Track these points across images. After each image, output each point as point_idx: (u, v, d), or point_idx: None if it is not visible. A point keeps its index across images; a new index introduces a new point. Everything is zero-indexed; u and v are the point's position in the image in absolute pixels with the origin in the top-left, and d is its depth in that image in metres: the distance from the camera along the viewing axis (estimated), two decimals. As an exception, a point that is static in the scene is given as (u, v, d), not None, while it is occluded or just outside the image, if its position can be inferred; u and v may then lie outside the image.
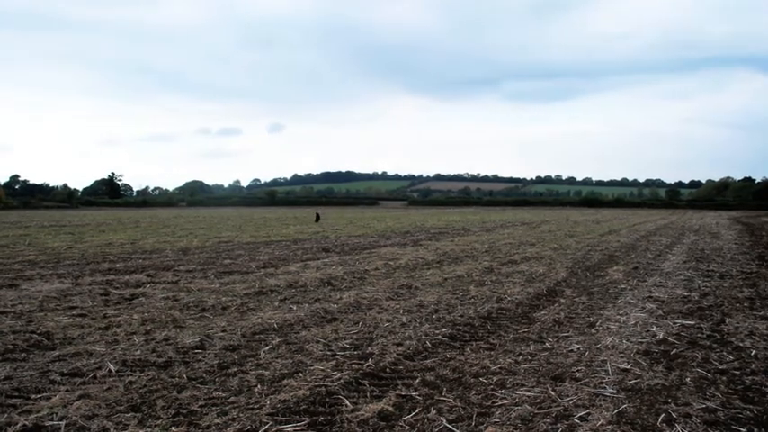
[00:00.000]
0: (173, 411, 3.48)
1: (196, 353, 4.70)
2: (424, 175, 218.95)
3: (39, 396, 3.72)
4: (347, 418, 3.43)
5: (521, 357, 4.69)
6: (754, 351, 4.91)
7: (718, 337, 5.43)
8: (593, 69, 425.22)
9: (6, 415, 3.39)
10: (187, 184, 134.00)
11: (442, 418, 3.44)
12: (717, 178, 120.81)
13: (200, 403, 3.62)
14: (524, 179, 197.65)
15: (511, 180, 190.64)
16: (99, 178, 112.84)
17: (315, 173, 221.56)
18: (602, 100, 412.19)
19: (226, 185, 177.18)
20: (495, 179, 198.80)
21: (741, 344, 5.15)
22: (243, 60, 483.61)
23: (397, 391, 3.88)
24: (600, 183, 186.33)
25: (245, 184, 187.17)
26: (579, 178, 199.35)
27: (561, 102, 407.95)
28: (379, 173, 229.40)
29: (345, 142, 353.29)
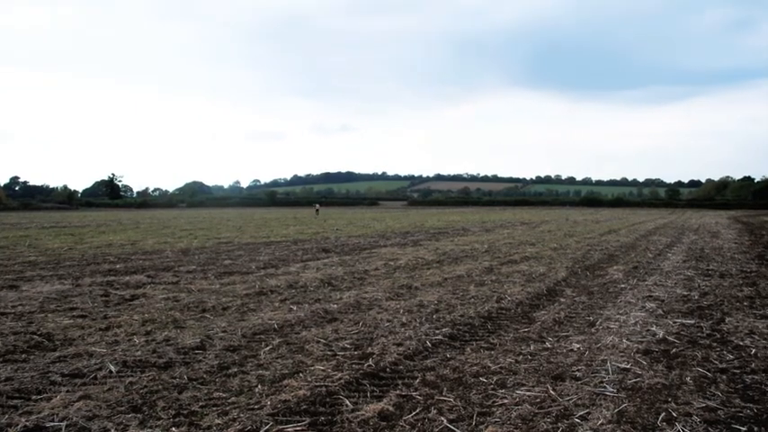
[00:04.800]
0: (173, 412, 3.49)
1: (196, 353, 4.70)
2: (424, 176, 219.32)
3: (39, 397, 3.72)
4: (348, 419, 3.43)
5: (521, 357, 4.69)
6: (754, 350, 4.91)
7: (719, 336, 5.43)
8: (728, 74, 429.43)
9: (7, 416, 3.39)
10: (187, 184, 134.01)
11: (442, 418, 3.45)
12: (716, 177, 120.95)
13: (200, 404, 3.62)
14: (524, 179, 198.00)
15: (510, 180, 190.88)
16: (99, 179, 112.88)
17: (315, 173, 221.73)
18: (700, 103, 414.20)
19: (226, 186, 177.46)
20: (495, 179, 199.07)
21: (741, 343, 5.15)
22: (412, 65, 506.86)
23: (398, 391, 3.88)
24: (599, 182, 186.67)
25: (245, 184, 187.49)
26: (579, 178, 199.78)
27: (657, 106, 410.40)
28: (379, 173, 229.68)
29: (458, 141, 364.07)
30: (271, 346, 4.92)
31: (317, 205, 46.78)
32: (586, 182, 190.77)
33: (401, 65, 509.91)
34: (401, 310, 6.41)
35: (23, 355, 4.62)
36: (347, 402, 3.68)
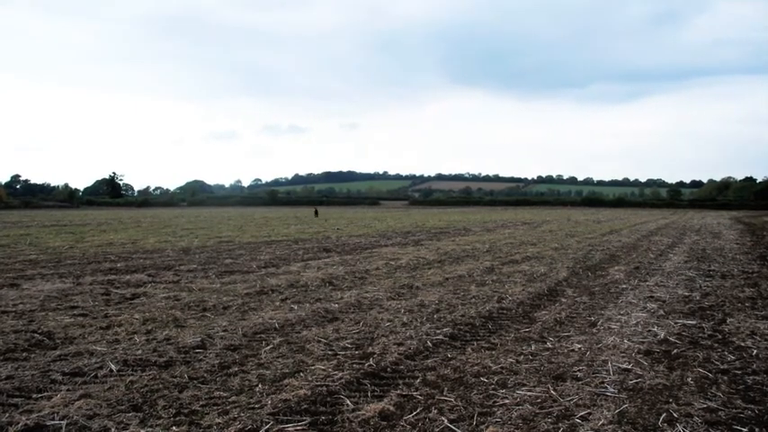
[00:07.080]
0: (174, 411, 3.49)
1: (197, 352, 4.70)
2: (426, 175, 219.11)
3: (40, 395, 3.73)
4: (348, 418, 3.43)
5: (522, 357, 4.69)
6: (755, 351, 4.90)
7: (720, 336, 5.42)
8: (672, 73, 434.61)
9: (8, 414, 3.39)
10: (188, 183, 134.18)
11: (443, 418, 3.44)
12: (718, 178, 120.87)
13: (201, 403, 3.62)
14: (525, 179, 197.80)
15: (512, 180, 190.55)
16: (100, 178, 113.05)
17: (316, 172, 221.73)
18: (659, 101, 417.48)
19: (227, 185, 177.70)
20: (497, 179, 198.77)
21: (742, 344, 5.14)
22: (349, 63, 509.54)
23: (399, 391, 3.88)
24: (601, 182, 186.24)
25: (246, 183, 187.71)
26: (580, 178, 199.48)
27: (626, 103, 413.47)
28: (381, 172, 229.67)
29: (415, 141, 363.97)
30: (271, 346, 4.92)
31: (316, 209, 47.12)
32: (588, 182, 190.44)
33: (340, 63, 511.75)
34: (402, 310, 6.41)
35: (24, 354, 4.63)
36: (348, 402, 3.68)
